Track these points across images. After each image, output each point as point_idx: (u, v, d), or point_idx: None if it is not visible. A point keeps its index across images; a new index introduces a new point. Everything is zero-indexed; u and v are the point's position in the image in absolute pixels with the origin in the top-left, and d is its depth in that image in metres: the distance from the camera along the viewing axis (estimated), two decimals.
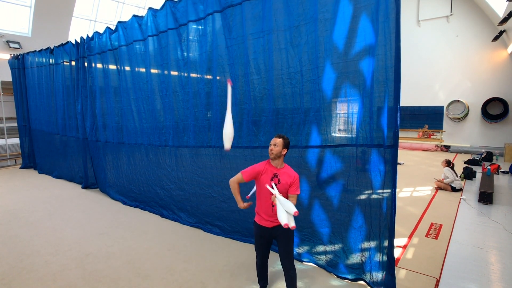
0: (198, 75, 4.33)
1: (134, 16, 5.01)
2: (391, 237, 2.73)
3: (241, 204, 2.63)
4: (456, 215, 4.91)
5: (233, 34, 3.76)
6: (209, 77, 4.22)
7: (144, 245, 3.97)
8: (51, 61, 7.48)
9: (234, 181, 2.61)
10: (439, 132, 12.86)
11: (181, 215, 4.79)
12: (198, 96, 4.33)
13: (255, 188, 2.75)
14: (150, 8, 4.69)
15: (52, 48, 7.39)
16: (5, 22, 10.03)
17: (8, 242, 4.08)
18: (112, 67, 5.68)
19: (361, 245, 3.05)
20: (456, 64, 12.28)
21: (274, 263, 3.33)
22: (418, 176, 7.98)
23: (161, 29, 4.60)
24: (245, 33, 3.62)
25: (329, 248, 3.30)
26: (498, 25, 9.87)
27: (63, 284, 3.07)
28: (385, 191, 2.81)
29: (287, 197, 2.50)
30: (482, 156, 10.09)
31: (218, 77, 4.07)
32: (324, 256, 3.32)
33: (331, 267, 3.24)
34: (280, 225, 2.48)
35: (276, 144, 2.50)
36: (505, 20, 8.90)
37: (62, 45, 6.97)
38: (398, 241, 3.91)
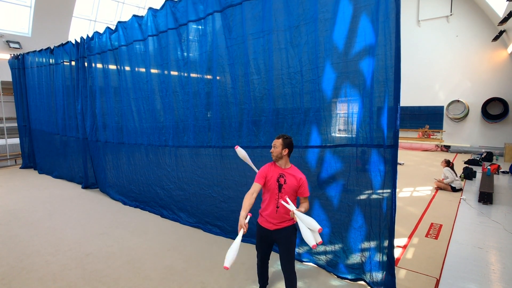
0: (198, 75, 4.33)
1: (134, 16, 5.01)
2: (391, 237, 2.73)
3: (243, 221, 2.26)
4: (456, 215, 4.91)
5: (233, 34, 3.76)
6: (209, 77, 4.22)
7: (144, 245, 3.97)
8: (51, 61, 7.48)
9: (250, 193, 2.40)
10: (439, 132, 12.86)
11: (181, 215, 4.79)
12: (198, 96, 4.33)
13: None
14: (150, 8, 4.69)
15: (52, 48, 7.39)
16: (5, 22, 10.04)
17: (8, 242, 4.08)
18: (112, 67, 5.69)
19: (361, 245, 3.05)
20: (456, 64, 12.28)
21: (275, 263, 3.33)
22: (418, 176, 7.98)
23: (161, 29, 4.60)
24: (245, 33, 3.62)
25: (329, 248, 3.30)
26: (498, 25, 9.88)
27: (63, 284, 3.07)
28: (385, 191, 2.81)
29: (294, 199, 2.49)
30: (482, 156, 10.09)
31: (218, 77, 4.07)
32: (324, 256, 3.32)
33: (331, 267, 3.24)
34: (281, 228, 2.48)
35: (275, 145, 2.49)
36: (505, 20, 8.90)
37: (62, 45, 6.97)
38: (398, 241, 3.91)
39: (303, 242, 3.50)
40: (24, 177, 8.17)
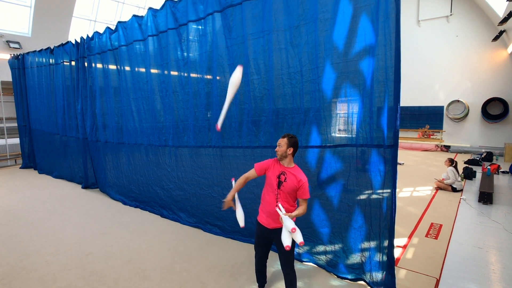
0: (198, 75, 4.33)
1: (134, 16, 5.01)
2: (391, 237, 2.73)
3: (229, 198, 2.58)
4: (456, 215, 4.91)
5: (233, 34, 3.76)
6: (209, 77, 4.22)
7: (144, 245, 3.97)
8: (51, 61, 7.47)
9: (244, 176, 2.63)
10: (439, 132, 12.86)
11: (181, 215, 4.79)
12: (198, 96, 4.33)
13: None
14: (150, 8, 4.69)
15: (52, 48, 7.39)
16: (5, 22, 10.03)
17: (8, 242, 4.08)
18: (112, 67, 5.69)
19: (361, 245, 3.04)
20: (456, 64, 12.28)
21: (274, 263, 3.33)
22: (418, 176, 7.98)
23: (161, 29, 4.60)
24: (245, 33, 3.62)
25: (329, 248, 3.30)
26: (498, 25, 9.87)
27: (63, 284, 3.07)
28: (385, 191, 2.81)
29: (293, 199, 2.49)
30: (482, 156, 10.09)
31: (218, 77, 4.07)
32: (324, 256, 3.32)
33: (331, 267, 3.24)
34: (280, 228, 2.47)
35: (280, 144, 2.49)
36: (505, 20, 8.90)
37: (62, 45, 6.97)
38: (398, 241, 3.91)
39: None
40: (24, 177, 8.17)
